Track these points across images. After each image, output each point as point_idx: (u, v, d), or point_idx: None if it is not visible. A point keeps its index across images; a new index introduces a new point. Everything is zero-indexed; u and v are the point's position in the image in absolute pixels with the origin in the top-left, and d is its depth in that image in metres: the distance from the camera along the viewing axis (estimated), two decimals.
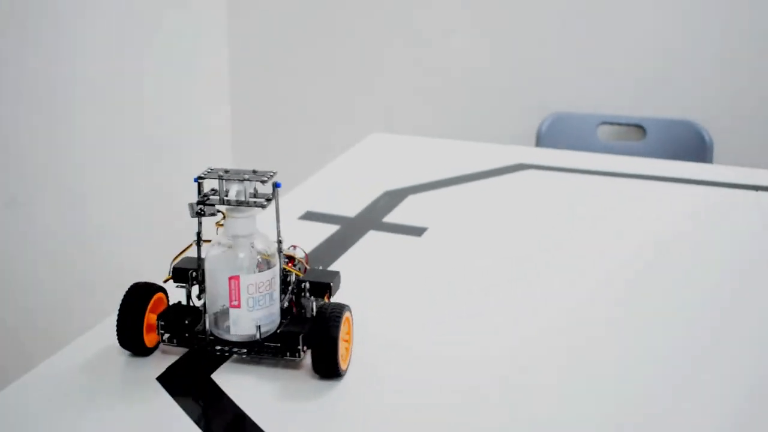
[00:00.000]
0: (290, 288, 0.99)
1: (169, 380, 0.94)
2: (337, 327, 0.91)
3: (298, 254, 1.06)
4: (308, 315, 0.99)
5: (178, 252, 1.02)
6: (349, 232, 1.34)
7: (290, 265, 1.04)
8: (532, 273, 1.21)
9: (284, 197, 1.41)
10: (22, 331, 1.51)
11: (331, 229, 1.35)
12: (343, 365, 0.94)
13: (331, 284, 0.99)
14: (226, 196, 0.94)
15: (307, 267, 1.05)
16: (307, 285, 0.99)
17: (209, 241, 0.98)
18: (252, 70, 2.51)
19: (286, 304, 0.98)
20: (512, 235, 1.35)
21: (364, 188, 1.53)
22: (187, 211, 0.95)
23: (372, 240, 1.32)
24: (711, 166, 2.01)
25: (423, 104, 2.57)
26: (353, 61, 2.57)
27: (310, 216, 1.39)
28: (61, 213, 1.57)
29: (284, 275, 1.00)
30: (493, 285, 1.17)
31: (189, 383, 0.94)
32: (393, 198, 1.45)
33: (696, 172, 1.69)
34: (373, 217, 1.38)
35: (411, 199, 1.45)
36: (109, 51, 1.75)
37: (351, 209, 1.42)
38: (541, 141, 2.41)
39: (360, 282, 1.14)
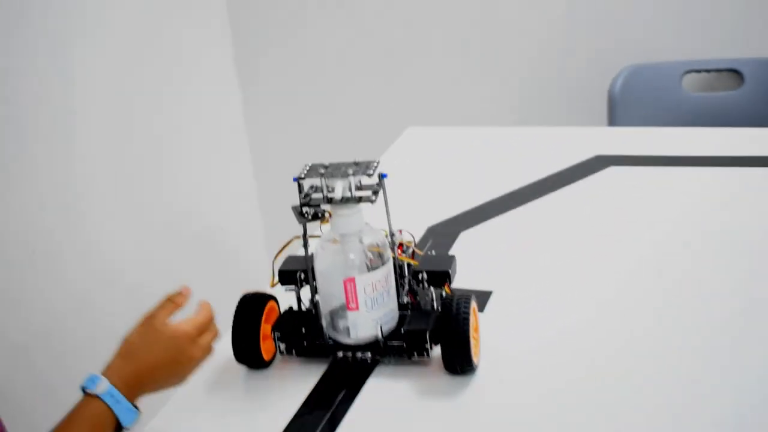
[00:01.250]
0: (406, 279, 0.93)
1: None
2: (467, 321, 0.85)
3: (406, 238, 0.99)
4: (428, 307, 0.93)
5: (277, 251, 0.96)
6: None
7: (400, 252, 0.98)
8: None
9: None
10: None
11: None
12: (475, 359, 0.88)
13: (450, 271, 0.92)
14: (331, 193, 0.87)
15: (417, 251, 0.99)
16: (425, 275, 0.93)
17: (317, 236, 0.92)
18: (261, 67, 2.19)
19: (406, 300, 0.92)
20: (609, 240, 1.16)
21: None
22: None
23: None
24: None
25: (466, 85, 2.11)
26: (374, 51, 2.16)
27: None
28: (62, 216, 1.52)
29: (398, 266, 0.94)
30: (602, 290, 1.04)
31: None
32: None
33: None
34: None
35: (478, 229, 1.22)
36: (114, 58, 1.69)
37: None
38: (615, 104, 1.93)
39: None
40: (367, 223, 0.90)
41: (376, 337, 0.90)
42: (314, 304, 0.94)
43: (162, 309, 0.80)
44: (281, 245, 0.96)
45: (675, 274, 1.04)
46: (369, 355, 0.91)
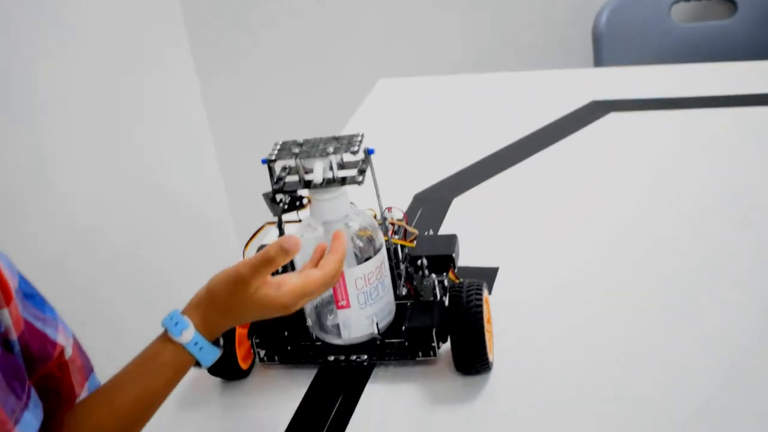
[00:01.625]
0: (403, 267, 0.81)
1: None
2: (479, 313, 0.73)
3: (396, 216, 0.86)
4: (430, 297, 0.80)
5: (248, 238, 0.83)
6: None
7: (393, 234, 0.84)
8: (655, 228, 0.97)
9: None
10: None
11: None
12: (490, 356, 0.75)
13: (453, 255, 0.80)
14: (309, 175, 0.74)
15: (410, 230, 0.86)
16: (424, 261, 0.80)
17: (298, 221, 0.79)
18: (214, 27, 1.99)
19: (404, 291, 0.80)
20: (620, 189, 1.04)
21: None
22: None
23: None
24: None
25: (438, 30, 1.93)
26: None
27: None
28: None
29: (392, 251, 0.81)
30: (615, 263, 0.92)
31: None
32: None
33: None
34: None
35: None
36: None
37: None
38: (600, 41, 1.77)
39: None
40: (353, 204, 0.77)
41: (372, 335, 0.78)
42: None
43: (256, 271, 0.66)
44: (250, 227, 0.83)
45: (696, 231, 0.92)
46: (365, 357, 0.78)
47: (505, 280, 0.87)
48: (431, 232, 0.91)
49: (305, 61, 1.96)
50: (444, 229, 0.98)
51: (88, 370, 0.70)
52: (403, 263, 0.80)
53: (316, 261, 0.71)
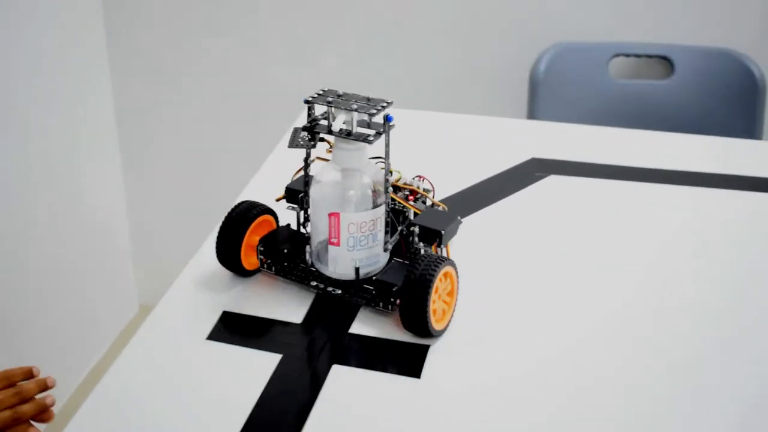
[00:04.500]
0: (400, 229, 0.91)
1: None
2: (427, 286, 0.82)
3: (424, 187, 0.96)
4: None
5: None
6: None
7: (411, 199, 0.95)
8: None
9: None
10: None
11: None
12: (436, 325, 0.84)
13: (443, 232, 0.89)
14: (332, 124, 0.85)
15: (433, 202, 0.95)
16: (416, 230, 0.89)
17: (325, 159, 0.91)
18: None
19: (389, 248, 0.90)
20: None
21: None
22: None
23: None
24: None
25: (368, 64, 1.87)
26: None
27: None
28: None
29: (401, 211, 0.92)
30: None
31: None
32: None
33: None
34: None
35: None
36: None
37: None
38: (537, 86, 1.71)
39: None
40: (374, 160, 0.88)
41: (353, 277, 0.89)
42: (305, 230, 0.93)
43: None
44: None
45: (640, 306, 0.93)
46: (339, 292, 0.89)
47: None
48: (445, 208, 0.98)
49: (225, 78, 1.96)
50: None
51: None
52: (401, 226, 0.90)
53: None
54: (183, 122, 2.01)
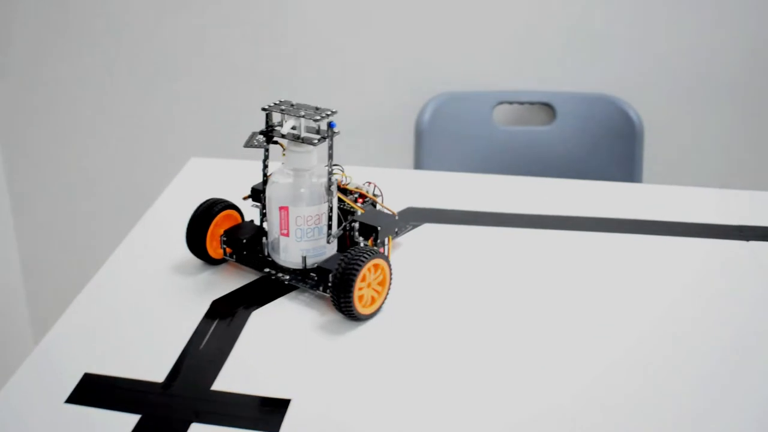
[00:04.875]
0: (344, 225, 1.02)
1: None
2: (352, 274, 0.93)
3: (371, 191, 1.08)
4: None
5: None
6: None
7: (360, 201, 1.06)
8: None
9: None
10: None
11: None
12: (362, 309, 0.95)
13: (379, 228, 1.00)
14: (281, 128, 0.98)
15: (380, 206, 1.07)
16: (357, 225, 1.01)
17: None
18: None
19: (331, 240, 1.01)
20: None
21: None
22: None
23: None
24: (663, 188, 1.39)
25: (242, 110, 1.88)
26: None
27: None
28: None
29: (349, 211, 1.03)
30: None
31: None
32: None
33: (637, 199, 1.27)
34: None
35: None
36: None
37: None
38: (422, 135, 1.74)
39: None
40: (323, 164, 1.00)
41: (300, 265, 1.00)
42: (262, 225, 1.05)
43: None
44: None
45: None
46: (287, 277, 1.01)
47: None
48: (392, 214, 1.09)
49: (116, 130, 1.97)
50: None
51: None
52: (345, 222, 1.02)
53: None
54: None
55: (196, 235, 1.04)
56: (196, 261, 1.07)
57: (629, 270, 1.10)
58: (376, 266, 0.96)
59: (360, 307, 0.95)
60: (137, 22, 1.87)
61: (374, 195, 1.08)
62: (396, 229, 1.07)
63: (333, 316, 0.97)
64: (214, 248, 1.06)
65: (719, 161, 1.88)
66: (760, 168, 1.88)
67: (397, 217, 1.04)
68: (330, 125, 0.97)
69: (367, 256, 0.94)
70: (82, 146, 2.00)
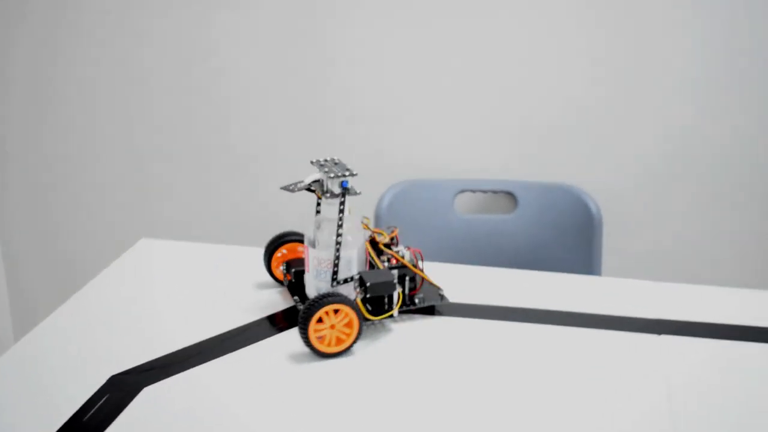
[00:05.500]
0: (353, 275, 1.15)
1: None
2: (312, 308, 1.06)
3: (380, 239, 1.19)
4: None
5: None
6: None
7: (394, 262, 1.17)
8: None
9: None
10: None
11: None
12: (318, 346, 1.08)
13: (368, 284, 1.11)
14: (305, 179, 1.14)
15: (397, 258, 1.18)
16: (357, 276, 1.13)
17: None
18: None
19: (334, 285, 1.14)
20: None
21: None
22: None
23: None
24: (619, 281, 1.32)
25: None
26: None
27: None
28: None
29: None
30: None
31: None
32: None
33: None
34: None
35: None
36: None
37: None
38: (381, 220, 1.74)
39: None
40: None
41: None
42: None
43: None
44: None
45: None
46: (302, 304, 1.18)
47: None
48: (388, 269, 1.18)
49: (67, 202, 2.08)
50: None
51: None
52: (354, 274, 1.15)
53: None
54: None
55: (266, 257, 1.26)
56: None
57: (590, 365, 1.08)
58: (341, 312, 1.08)
59: (319, 345, 1.08)
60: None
61: (410, 262, 1.18)
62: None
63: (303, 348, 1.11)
64: (278, 271, 1.27)
65: (678, 254, 1.87)
66: (717, 261, 1.86)
67: (390, 278, 1.13)
68: (342, 184, 1.11)
69: (326, 300, 1.07)
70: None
